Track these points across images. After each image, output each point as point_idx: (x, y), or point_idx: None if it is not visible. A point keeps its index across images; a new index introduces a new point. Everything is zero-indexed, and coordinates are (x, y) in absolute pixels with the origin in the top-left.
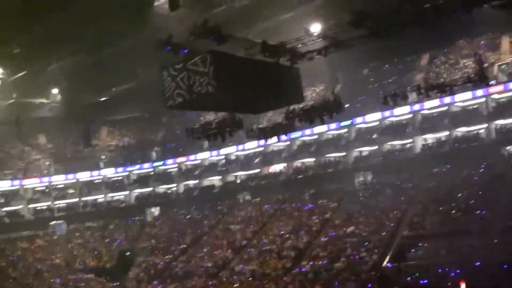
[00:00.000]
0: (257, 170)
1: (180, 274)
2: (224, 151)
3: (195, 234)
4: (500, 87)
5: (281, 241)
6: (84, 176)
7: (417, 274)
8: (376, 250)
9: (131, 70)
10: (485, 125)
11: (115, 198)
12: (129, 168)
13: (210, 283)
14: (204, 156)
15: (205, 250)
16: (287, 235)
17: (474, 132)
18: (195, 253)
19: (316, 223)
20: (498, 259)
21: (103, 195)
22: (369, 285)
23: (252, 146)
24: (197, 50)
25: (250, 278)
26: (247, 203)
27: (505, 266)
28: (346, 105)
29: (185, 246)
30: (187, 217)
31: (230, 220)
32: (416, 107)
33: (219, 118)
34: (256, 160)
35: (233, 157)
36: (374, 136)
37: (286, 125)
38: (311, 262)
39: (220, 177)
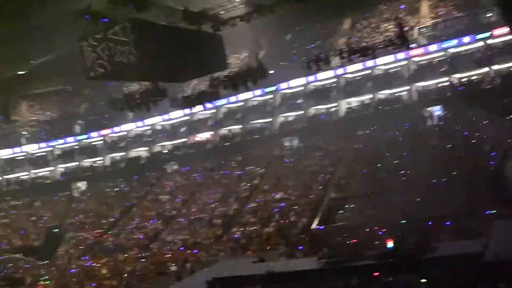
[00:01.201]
0: (184, 139)
1: (111, 248)
2: (149, 121)
3: (124, 206)
4: (420, 50)
5: (210, 210)
6: (5, 153)
7: (346, 234)
8: (305, 213)
9: (50, 42)
10: (407, 88)
11: (39, 174)
12: (52, 143)
13: (141, 255)
14: (129, 127)
15: (135, 222)
16: (217, 203)
17: (397, 94)
18: (125, 226)
19: (244, 189)
20: (423, 216)
21: (27, 172)
22: (300, 248)
23: (177, 115)
24: (117, 19)
25: (182, 248)
26: (175, 173)
27: (429, 223)
28: (270, 71)
29: (114, 219)
30: (115, 190)
31: (159, 191)
32: (340, 71)
33: (142, 88)
34: (182, 129)
35: (158, 127)
36: (299, 101)
37: (211, 93)
38: (242, 229)
39: (147, 148)
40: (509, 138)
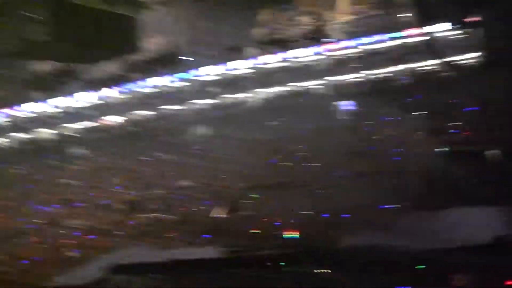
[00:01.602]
0: (92, 123)
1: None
2: (56, 102)
3: (24, 189)
4: (335, 45)
5: (113, 195)
6: None
7: (249, 224)
8: (209, 202)
9: None
10: (320, 81)
11: None
12: None
13: (39, 240)
14: (35, 107)
15: (35, 207)
16: (120, 189)
17: (309, 87)
18: (23, 210)
19: (150, 175)
20: (326, 208)
21: None
22: (203, 236)
23: (87, 97)
24: None
25: (81, 234)
26: (80, 156)
27: (333, 215)
28: (186, 57)
29: (13, 203)
30: (16, 172)
31: (61, 174)
32: (255, 61)
33: (52, 68)
34: (91, 112)
35: (66, 109)
36: (212, 89)
37: (123, 76)
38: (144, 215)
39: (52, 129)
40: (415, 136)
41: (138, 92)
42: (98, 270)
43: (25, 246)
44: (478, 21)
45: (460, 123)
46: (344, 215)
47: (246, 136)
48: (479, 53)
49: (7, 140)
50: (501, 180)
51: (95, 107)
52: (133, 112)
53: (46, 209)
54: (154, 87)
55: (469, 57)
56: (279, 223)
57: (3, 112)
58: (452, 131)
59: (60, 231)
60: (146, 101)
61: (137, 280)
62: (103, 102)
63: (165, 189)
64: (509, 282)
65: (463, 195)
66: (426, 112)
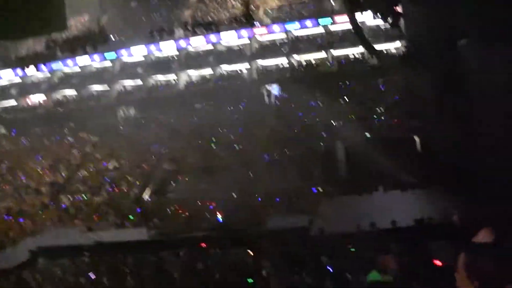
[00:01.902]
0: (14, 102)
1: None
2: None
3: None
4: (264, 30)
5: (38, 177)
6: None
7: (177, 207)
8: (137, 184)
9: None
10: (248, 65)
11: None
12: None
13: None
14: None
15: None
16: (45, 170)
17: (237, 71)
18: None
19: (76, 157)
20: (254, 192)
21: None
22: (131, 218)
23: (8, 75)
24: None
25: (5, 216)
26: (1, 136)
27: (260, 199)
28: (112, 37)
29: None
30: None
31: None
32: (182, 43)
33: None
34: (13, 91)
35: None
36: (139, 70)
37: (47, 55)
38: (71, 197)
39: None
40: (341, 121)
41: (62, 71)
42: (25, 253)
43: None
44: (403, 12)
45: (384, 110)
46: (271, 199)
47: (174, 119)
48: (403, 43)
49: None
50: (421, 165)
51: (17, 86)
52: (58, 91)
53: None
54: (80, 66)
55: (393, 47)
56: (206, 206)
57: None
58: (376, 118)
59: None
60: (71, 80)
61: (64, 262)
62: (26, 81)
63: (91, 171)
64: (435, 261)
65: (387, 180)
66: (352, 99)
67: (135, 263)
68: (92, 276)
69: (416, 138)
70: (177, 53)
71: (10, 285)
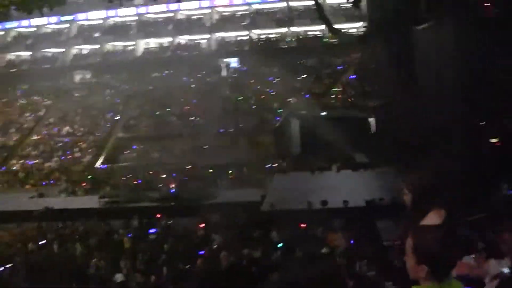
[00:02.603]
0: None
1: None
2: None
3: None
4: (225, 1)
5: None
6: None
7: (129, 175)
8: (90, 151)
9: None
10: (207, 36)
11: None
12: None
13: None
14: None
15: None
16: None
17: (196, 41)
18: None
19: (28, 120)
20: (206, 163)
21: None
22: (82, 185)
23: None
24: None
25: None
26: None
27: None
28: None
29: None
30: None
31: None
32: (142, 10)
33: None
34: None
35: None
36: (96, 34)
37: (1, 13)
38: (22, 161)
39: None
40: (297, 97)
41: (17, 31)
42: None
43: None
44: None
45: (340, 88)
46: (223, 171)
47: (130, 86)
48: (362, 23)
49: None
50: (374, 146)
51: None
52: (10, 52)
53: None
54: (35, 27)
55: (352, 26)
56: (158, 176)
57: None
58: (332, 95)
59: None
60: (25, 41)
61: (13, 227)
62: None
63: (44, 136)
64: (397, 241)
65: (339, 159)
66: (309, 75)
67: (85, 231)
68: (41, 242)
69: (371, 118)
70: (136, 19)
71: None
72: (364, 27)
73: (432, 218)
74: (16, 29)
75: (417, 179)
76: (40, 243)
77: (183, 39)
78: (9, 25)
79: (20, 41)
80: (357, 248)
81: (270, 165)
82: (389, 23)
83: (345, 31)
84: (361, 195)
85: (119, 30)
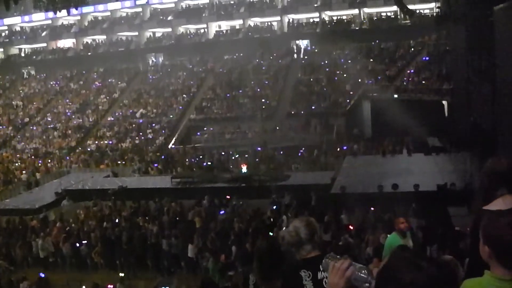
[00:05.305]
0: (44, 44)
1: None
2: (7, 21)
3: None
4: None
5: (66, 120)
6: None
7: (201, 156)
8: (163, 132)
9: None
10: (279, 18)
11: None
12: None
13: None
14: None
15: None
16: (73, 114)
17: (268, 23)
18: None
19: (103, 102)
20: (278, 145)
21: None
22: (156, 165)
23: (39, 18)
24: None
25: (33, 156)
26: (31, 78)
27: (283, 152)
28: None
29: None
30: None
31: (13, 96)
32: None
33: None
34: (43, 33)
35: (17, 29)
36: (169, 18)
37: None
38: (97, 142)
39: (2, 49)
40: (368, 79)
41: (93, 15)
42: (49, 194)
43: None
44: None
45: (413, 71)
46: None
47: (201, 68)
48: (436, 3)
49: None
50: (447, 129)
51: (47, 28)
52: (87, 35)
53: None
54: (110, 11)
55: (426, 7)
56: (230, 157)
57: None
58: (405, 78)
59: (11, 153)
60: (101, 25)
61: (88, 205)
62: (57, 23)
63: (118, 117)
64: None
65: (412, 142)
66: (381, 57)
67: (157, 210)
68: (115, 220)
69: (444, 102)
70: (208, 1)
71: (36, 224)
72: (438, 7)
73: (502, 203)
74: (92, 14)
75: (496, 162)
76: (114, 220)
77: (254, 21)
78: (86, 9)
79: (96, 25)
80: (427, 232)
81: (341, 147)
82: (465, 3)
83: (419, 12)
84: (432, 179)
85: (191, 13)
